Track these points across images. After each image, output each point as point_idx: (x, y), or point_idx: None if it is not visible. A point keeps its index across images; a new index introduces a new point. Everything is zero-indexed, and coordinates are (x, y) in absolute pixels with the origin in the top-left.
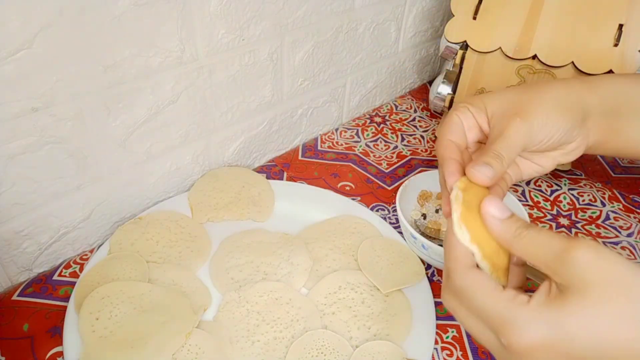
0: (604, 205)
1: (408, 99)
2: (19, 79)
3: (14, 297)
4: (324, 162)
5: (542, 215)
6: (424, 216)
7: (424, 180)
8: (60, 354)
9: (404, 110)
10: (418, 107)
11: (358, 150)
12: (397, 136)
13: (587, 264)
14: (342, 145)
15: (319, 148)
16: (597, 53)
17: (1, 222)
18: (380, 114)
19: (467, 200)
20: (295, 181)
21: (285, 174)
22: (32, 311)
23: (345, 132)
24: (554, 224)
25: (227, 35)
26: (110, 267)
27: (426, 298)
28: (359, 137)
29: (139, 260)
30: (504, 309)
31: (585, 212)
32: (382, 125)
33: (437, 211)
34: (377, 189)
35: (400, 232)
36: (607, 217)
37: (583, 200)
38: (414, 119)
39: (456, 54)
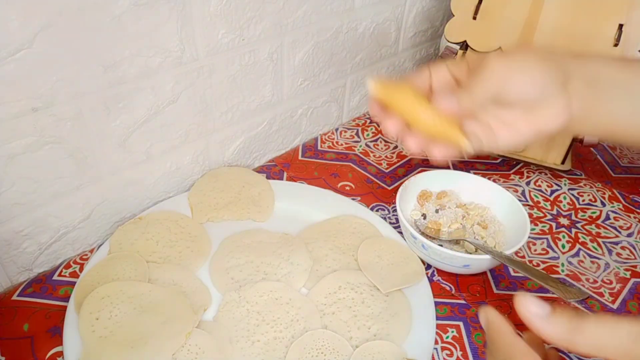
0: (604, 205)
1: None
2: (19, 79)
3: (14, 297)
4: (324, 162)
5: (542, 215)
6: (424, 216)
7: (424, 180)
8: (60, 354)
9: None
10: None
11: (358, 150)
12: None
13: None
14: (342, 145)
15: (319, 148)
16: (597, 53)
17: (1, 222)
18: None
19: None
20: (295, 181)
21: (285, 174)
22: (32, 311)
23: (345, 132)
24: (554, 224)
25: (227, 35)
26: (110, 267)
27: (426, 298)
28: (359, 137)
29: (139, 260)
30: None
31: (585, 212)
32: None
33: (437, 211)
34: (377, 189)
35: (400, 232)
36: (607, 217)
37: (583, 200)
38: None
39: (456, 54)
